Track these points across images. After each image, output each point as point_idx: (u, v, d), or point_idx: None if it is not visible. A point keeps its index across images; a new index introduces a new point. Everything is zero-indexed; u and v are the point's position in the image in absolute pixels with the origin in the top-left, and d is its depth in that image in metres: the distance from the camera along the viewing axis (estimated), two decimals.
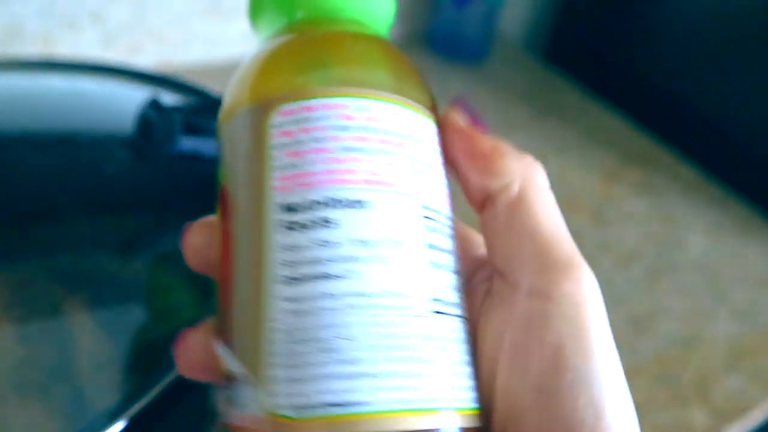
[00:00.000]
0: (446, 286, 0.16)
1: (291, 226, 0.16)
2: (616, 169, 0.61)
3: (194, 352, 0.18)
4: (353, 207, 0.15)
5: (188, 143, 0.28)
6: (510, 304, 0.17)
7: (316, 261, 0.15)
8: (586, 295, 0.16)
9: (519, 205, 0.17)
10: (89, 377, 0.25)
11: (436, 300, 0.16)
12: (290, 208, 0.16)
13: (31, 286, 0.28)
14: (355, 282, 0.15)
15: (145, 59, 0.60)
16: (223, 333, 0.17)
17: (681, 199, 0.58)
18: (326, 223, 0.15)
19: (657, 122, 0.66)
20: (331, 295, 0.15)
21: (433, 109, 0.18)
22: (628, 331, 0.45)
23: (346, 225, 0.15)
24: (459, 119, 0.18)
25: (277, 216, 0.16)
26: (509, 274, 0.17)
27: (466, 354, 0.16)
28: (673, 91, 0.65)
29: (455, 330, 0.16)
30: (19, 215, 0.30)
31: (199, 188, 0.31)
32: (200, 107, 0.31)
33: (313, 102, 0.16)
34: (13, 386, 0.25)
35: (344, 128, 0.16)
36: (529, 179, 0.17)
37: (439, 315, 0.15)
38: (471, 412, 0.16)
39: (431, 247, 0.16)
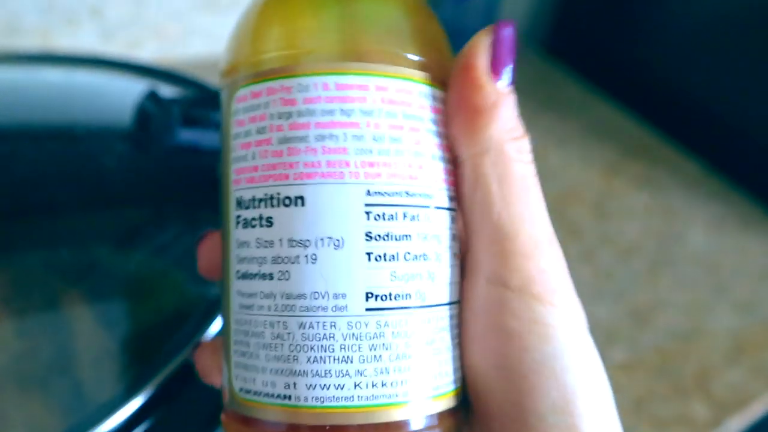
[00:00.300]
0: (388, 277, 0.15)
1: (241, 223, 0.16)
2: (617, 163, 0.60)
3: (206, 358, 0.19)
4: (288, 205, 0.15)
5: (187, 135, 0.28)
6: (471, 285, 0.16)
7: (257, 260, 0.15)
8: (546, 283, 0.15)
9: (487, 177, 0.15)
10: (88, 370, 0.25)
11: (371, 296, 0.15)
12: (240, 204, 0.16)
13: (30, 279, 0.28)
14: (286, 283, 0.15)
15: (144, 54, 0.60)
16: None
17: (682, 193, 0.58)
18: (264, 221, 0.15)
19: (658, 115, 0.66)
20: (268, 295, 0.15)
21: (431, 55, 0.16)
22: (629, 325, 0.45)
23: (280, 224, 0.15)
24: (477, 55, 0.15)
25: (234, 212, 0.16)
26: (471, 254, 0.16)
27: (410, 346, 0.15)
28: (674, 84, 0.65)
29: (397, 323, 0.15)
30: (18, 208, 0.30)
31: (198, 181, 0.31)
32: (199, 99, 0.31)
33: (259, 86, 0.15)
34: (11, 379, 0.25)
35: (285, 115, 0.15)
36: (508, 154, 0.15)
37: (375, 311, 0.15)
38: (403, 406, 0.15)
39: (372, 238, 0.15)
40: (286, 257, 0.15)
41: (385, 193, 0.15)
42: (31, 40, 0.55)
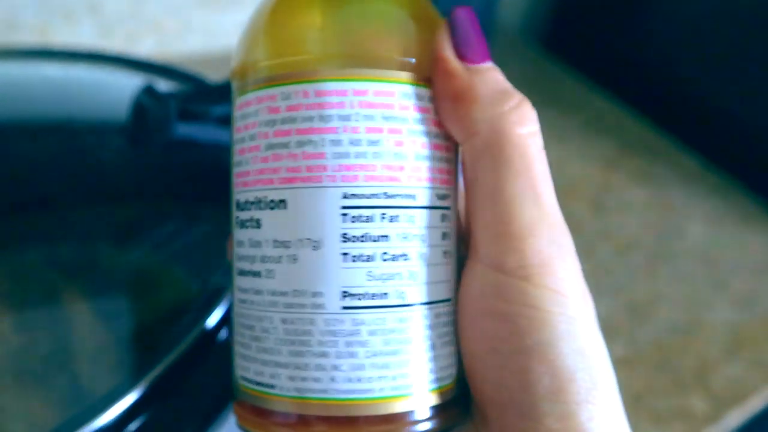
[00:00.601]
0: (365, 277, 0.15)
1: (238, 223, 0.17)
2: (616, 158, 0.60)
3: None
4: (272, 208, 0.16)
5: (184, 130, 0.28)
6: (468, 270, 0.16)
7: (249, 258, 0.16)
8: (542, 266, 0.15)
9: (482, 161, 0.15)
10: (86, 364, 0.25)
11: (347, 295, 0.15)
12: (238, 206, 0.17)
13: (29, 273, 0.28)
14: (272, 281, 0.16)
15: (142, 49, 0.60)
16: None
17: (681, 188, 0.58)
18: (254, 222, 0.16)
19: (657, 111, 0.66)
20: (258, 291, 0.16)
21: (418, 54, 0.16)
22: (628, 319, 0.45)
23: (266, 226, 0.16)
24: (442, 47, 0.16)
25: (234, 213, 0.17)
26: (470, 237, 0.16)
27: (389, 343, 0.15)
28: (673, 80, 0.65)
29: (373, 321, 0.15)
30: (16, 204, 0.30)
31: (197, 175, 0.31)
32: (196, 93, 0.30)
33: (251, 96, 0.16)
34: (10, 373, 0.25)
35: (271, 123, 0.16)
36: (500, 131, 0.15)
37: (350, 310, 0.15)
38: (385, 401, 0.15)
39: (349, 239, 0.15)
40: (271, 257, 0.16)
41: (362, 195, 0.15)
42: (29, 36, 0.55)
